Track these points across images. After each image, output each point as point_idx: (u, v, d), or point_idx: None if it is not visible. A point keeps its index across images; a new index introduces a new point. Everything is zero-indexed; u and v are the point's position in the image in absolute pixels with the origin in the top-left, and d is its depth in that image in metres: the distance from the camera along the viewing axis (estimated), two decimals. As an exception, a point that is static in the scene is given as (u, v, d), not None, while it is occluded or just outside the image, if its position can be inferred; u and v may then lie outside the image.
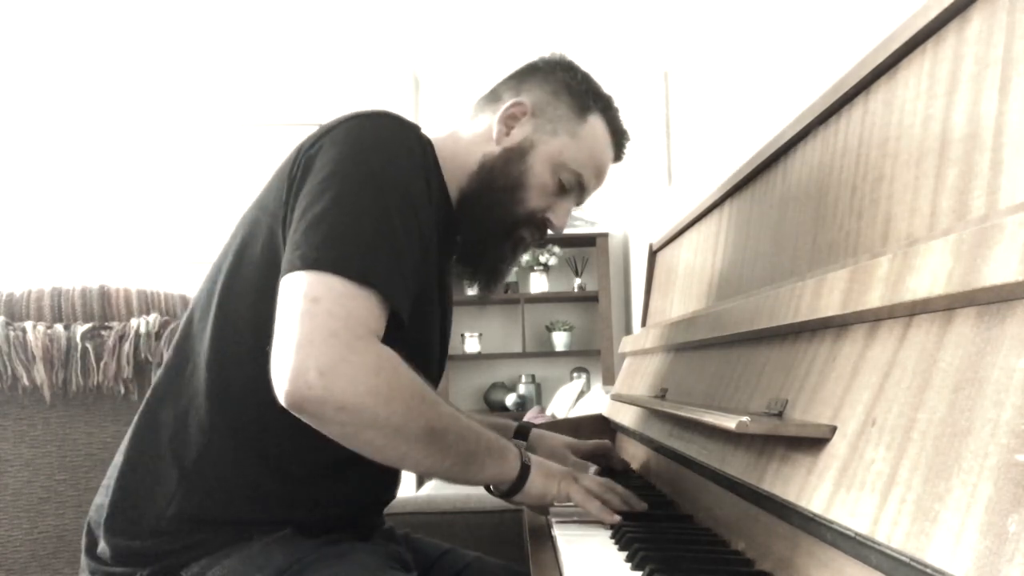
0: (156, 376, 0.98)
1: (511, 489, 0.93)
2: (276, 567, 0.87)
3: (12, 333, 1.31)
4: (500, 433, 1.01)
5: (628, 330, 4.47)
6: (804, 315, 0.70)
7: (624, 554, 0.78)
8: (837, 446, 0.58)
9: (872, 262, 0.59)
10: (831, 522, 0.55)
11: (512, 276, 4.46)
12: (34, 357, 1.31)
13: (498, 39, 4.09)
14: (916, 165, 0.62)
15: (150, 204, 4.31)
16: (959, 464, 0.44)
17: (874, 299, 0.57)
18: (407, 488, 2.82)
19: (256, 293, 0.90)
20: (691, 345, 1.13)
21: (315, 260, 0.81)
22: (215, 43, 4.20)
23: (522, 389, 4.44)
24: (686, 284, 1.38)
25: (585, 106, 1.07)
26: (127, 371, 1.36)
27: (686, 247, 1.43)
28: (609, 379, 4.19)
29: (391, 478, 1.05)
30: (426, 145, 0.98)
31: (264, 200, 0.95)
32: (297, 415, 0.78)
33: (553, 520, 0.96)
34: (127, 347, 1.36)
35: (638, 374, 1.49)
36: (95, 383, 1.35)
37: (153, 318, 1.39)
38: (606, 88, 1.12)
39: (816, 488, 0.59)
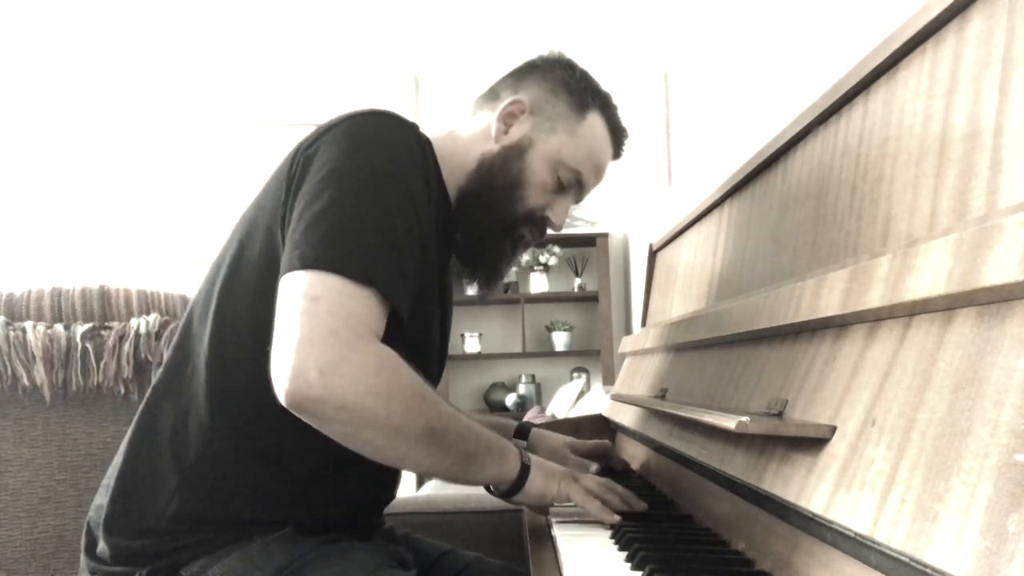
0: (155, 376, 0.98)
1: (511, 489, 0.93)
2: (276, 566, 0.87)
3: (12, 333, 1.31)
4: (500, 433, 1.01)
5: (628, 330, 4.47)
6: (804, 315, 0.70)
7: (624, 554, 0.78)
8: (837, 446, 0.58)
9: (872, 262, 0.59)
10: (831, 522, 0.55)
11: (512, 276, 4.47)
12: (34, 357, 1.31)
13: (498, 39, 4.09)
14: (916, 165, 0.62)
15: (150, 204, 4.31)
16: (959, 464, 0.44)
17: (874, 299, 0.57)
18: (407, 488, 2.82)
19: (255, 293, 0.90)
20: (691, 345, 1.13)
21: (315, 259, 0.81)
22: (215, 43, 4.20)
23: (522, 389, 4.44)
24: (686, 284, 1.38)
25: (584, 104, 1.07)
26: (127, 371, 1.36)
27: (686, 247, 1.43)
28: (609, 379, 4.19)
29: (391, 478, 1.05)
30: (425, 144, 0.98)
31: (263, 200, 0.95)
32: (297, 414, 0.78)
33: (553, 520, 0.96)
34: (127, 347, 1.36)
35: (638, 374, 1.49)
36: (95, 383, 1.35)
37: (153, 318, 1.39)
38: (605, 87, 1.12)
39: (816, 488, 0.59)
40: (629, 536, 0.82)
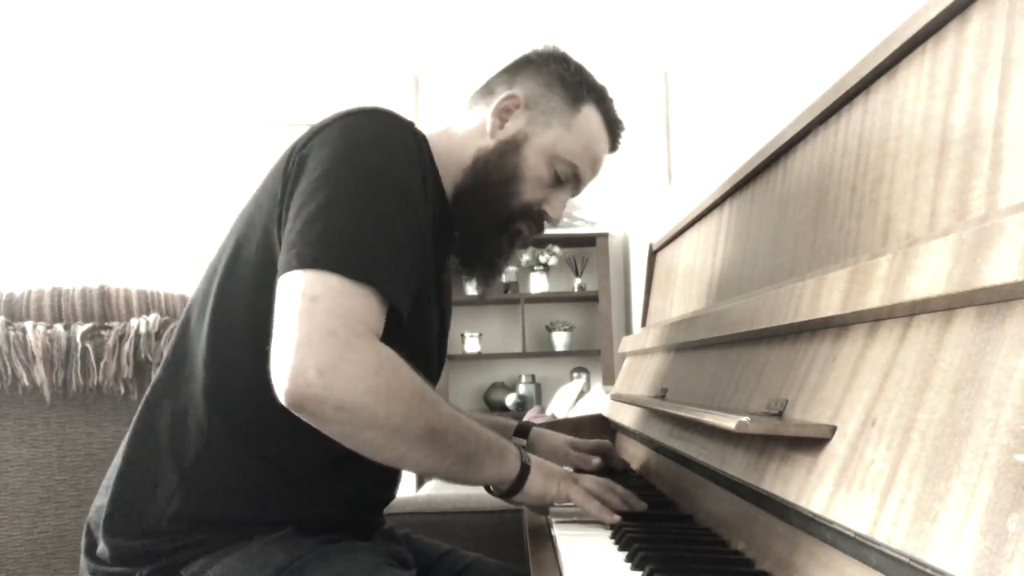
0: (154, 376, 0.98)
1: (511, 489, 0.93)
2: (276, 565, 0.87)
3: (12, 333, 1.31)
4: (500, 432, 1.01)
5: (628, 330, 4.47)
6: (804, 315, 0.70)
7: (624, 554, 0.78)
8: (837, 446, 0.58)
9: (872, 262, 0.59)
10: (831, 522, 0.55)
11: (512, 276, 4.47)
12: (34, 357, 1.31)
13: (498, 39, 4.09)
14: (916, 165, 0.62)
15: (150, 204, 4.31)
16: (959, 464, 0.44)
17: (874, 299, 0.57)
18: (407, 488, 2.82)
19: (252, 292, 0.90)
20: (691, 345, 1.13)
21: (312, 258, 0.81)
22: (215, 43, 4.20)
23: (522, 389, 4.44)
24: (686, 284, 1.38)
25: (579, 97, 1.06)
26: (127, 371, 1.36)
27: (686, 247, 1.43)
28: (609, 379, 4.19)
29: (391, 478, 1.05)
30: (421, 141, 0.98)
31: (259, 199, 0.95)
32: (296, 414, 0.78)
33: (553, 520, 0.96)
34: (127, 347, 1.36)
35: (638, 374, 1.49)
36: (95, 383, 1.35)
37: (153, 318, 1.39)
38: (602, 82, 1.11)
39: (816, 488, 0.59)
40: (629, 536, 0.82)
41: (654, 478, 1.18)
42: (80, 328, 1.36)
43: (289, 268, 0.81)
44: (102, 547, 0.92)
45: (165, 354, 0.99)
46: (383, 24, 3.99)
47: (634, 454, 1.35)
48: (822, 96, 0.82)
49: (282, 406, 0.78)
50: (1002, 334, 0.45)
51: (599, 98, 1.09)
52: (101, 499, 0.96)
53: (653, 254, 1.75)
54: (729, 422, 0.66)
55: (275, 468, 0.92)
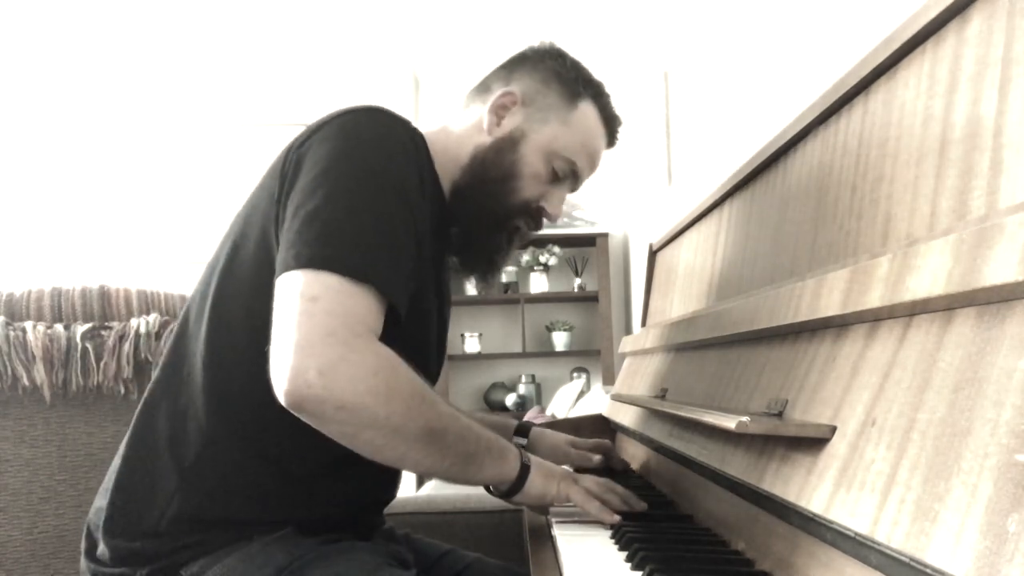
0: (152, 377, 0.98)
1: (511, 489, 0.93)
2: (276, 565, 0.87)
3: (12, 333, 1.31)
4: (500, 432, 1.01)
5: (628, 330, 4.47)
6: (804, 315, 0.70)
7: (624, 554, 0.78)
8: (837, 446, 0.58)
9: (872, 262, 0.59)
10: (831, 522, 0.55)
11: (512, 276, 4.47)
12: (34, 357, 1.31)
13: (498, 39, 4.09)
14: (916, 165, 0.63)
15: (150, 204, 4.31)
16: (959, 464, 0.44)
17: (874, 299, 0.57)
18: (407, 488, 2.82)
19: (250, 292, 0.90)
20: (691, 345, 1.13)
21: (310, 258, 0.81)
22: (215, 43, 4.20)
23: (522, 389, 4.44)
24: (686, 284, 1.38)
25: (575, 93, 1.06)
26: (127, 371, 1.36)
27: (686, 247, 1.43)
28: (609, 379, 4.19)
29: (391, 478, 1.05)
30: (417, 139, 0.98)
31: (256, 199, 0.95)
32: (296, 414, 0.78)
33: (553, 520, 0.96)
34: (127, 347, 1.36)
35: (638, 374, 1.49)
36: (95, 383, 1.35)
37: (153, 318, 1.39)
38: (600, 78, 1.11)
39: (816, 488, 0.59)
40: (629, 536, 0.82)
41: (654, 478, 1.18)
42: (80, 328, 1.36)
43: (287, 268, 0.81)
44: (102, 548, 0.92)
45: (163, 355, 0.99)
46: (383, 24, 3.99)
47: (634, 454, 1.35)
48: (822, 96, 0.82)
49: (282, 406, 0.78)
50: (1002, 334, 0.45)
51: (596, 94, 1.08)
52: (101, 500, 0.95)
53: (653, 254, 1.75)
54: (729, 422, 0.66)
55: (275, 468, 0.92)
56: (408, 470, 0.91)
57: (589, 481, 0.96)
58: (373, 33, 4.09)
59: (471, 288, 4.47)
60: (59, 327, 1.35)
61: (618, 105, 1.12)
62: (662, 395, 1.17)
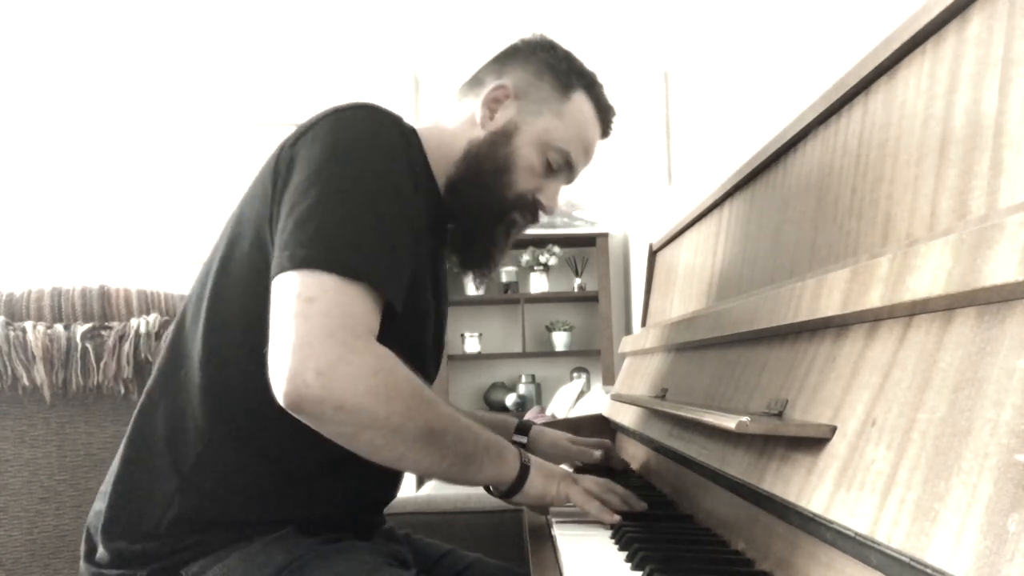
0: (150, 379, 0.98)
1: (510, 490, 0.93)
2: (276, 565, 0.87)
3: (12, 333, 1.31)
4: (499, 431, 1.00)
5: (628, 330, 4.47)
6: (804, 315, 0.70)
7: (624, 554, 0.78)
8: (837, 446, 0.58)
9: (872, 262, 0.59)
10: (831, 522, 0.55)
11: (512, 276, 4.47)
12: (34, 357, 1.31)
13: (498, 39, 4.08)
14: (916, 165, 0.62)
15: (150, 204, 4.31)
16: (959, 464, 0.44)
17: (874, 299, 0.57)
18: (407, 488, 2.82)
19: (247, 292, 0.90)
20: (691, 345, 1.13)
21: (304, 259, 0.80)
22: (215, 43, 4.20)
23: (522, 389, 4.44)
24: (686, 284, 1.38)
25: (568, 84, 1.06)
26: (127, 371, 1.36)
27: (686, 247, 1.43)
28: (609, 379, 4.19)
29: (391, 478, 1.05)
30: (410, 135, 0.98)
31: (250, 199, 0.94)
32: (295, 415, 0.78)
33: (553, 520, 0.96)
34: (127, 347, 1.36)
35: (638, 374, 1.49)
36: (95, 383, 1.35)
37: (153, 318, 1.39)
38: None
39: (816, 488, 0.59)
40: (629, 536, 0.82)
41: (654, 478, 1.18)
42: (80, 328, 1.36)
43: (283, 269, 0.81)
44: (101, 551, 0.92)
45: (160, 356, 0.98)
46: (383, 24, 3.99)
47: (634, 454, 1.35)
48: (822, 96, 0.82)
49: (281, 406, 0.78)
50: (1002, 334, 0.45)
51: (589, 84, 1.08)
52: (100, 503, 0.95)
53: (653, 254, 1.75)
54: (729, 422, 0.66)
55: (275, 468, 0.92)
56: (407, 470, 0.90)
57: (589, 481, 0.96)
58: (373, 33, 4.09)
59: (471, 288, 4.48)
60: (59, 327, 1.35)
61: (612, 96, 1.12)
62: (662, 395, 1.17)
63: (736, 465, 0.76)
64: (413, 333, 0.97)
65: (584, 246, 4.53)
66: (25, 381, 1.31)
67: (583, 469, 1.23)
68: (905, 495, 0.48)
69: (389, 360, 0.81)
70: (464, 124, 1.05)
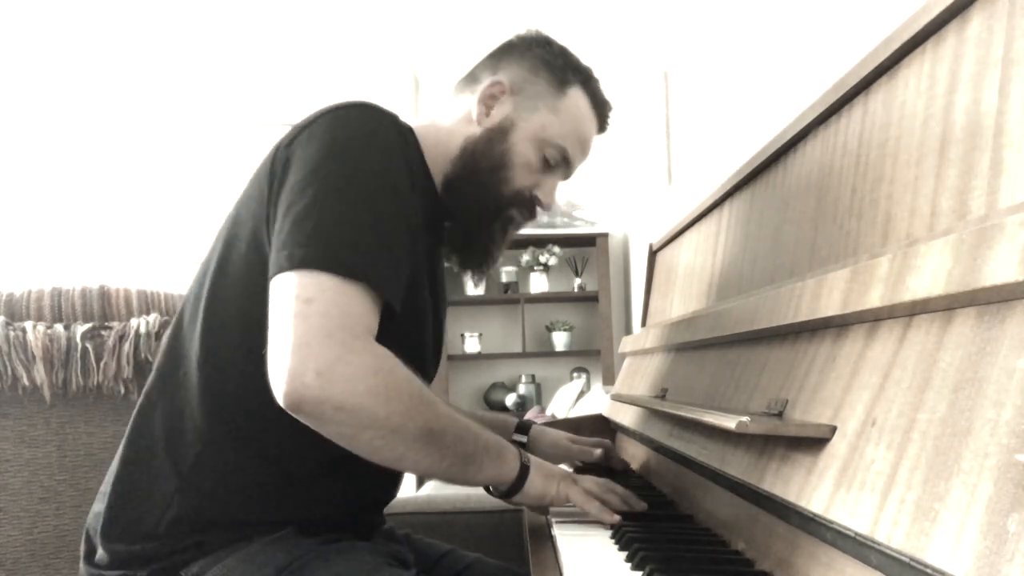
0: (148, 380, 0.98)
1: (510, 490, 0.93)
2: (276, 565, 0.87)
3: (12, 333, 1.31)
4: (499, 430, 1.00)
5: (628, 330, 4.47)
6: (804, 315, 0.70)
7: (624, 554, 0.78)
8: (837, 446, 0.58)
9: (872, 262, 0.59)
10: (831, 522, 0.55)
11: (512, 276, 4.47)
12: (34, 357, 1.31)
13: (498, 39, 4.09)
14: (916, 165, 0.62)
15: (150, 204, 4.31)
16: (959, 464, 0.44)
17: (874, 299, 0.57)
18: (407, 488, 2.82)
19: (244, 293, 0.90)
20: (691, 345, 1.13)
21: (302, 259, 0.80)
22: (215, 44, 4.20)
23: (522, 389, 4.44)
24: (686, 284, 1.38)
25: (564, 80, 1.06)
26: (127, 371, 1.36)
27: (686, 247, 1.43)
28: (609, 379, 4.19)
29: (391, 478, 1.05)
30: (406, 133, 0.97)
31: (246, 200, 0.94)
32: (295, 416, 0.78)
33: (553, 520, 0.96)
34: (127, 347, 1.36)
35: (638, 374, 1.49)
36: (95, 383, 1.35)
37: (153, 318, 1.39)
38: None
39: (816, 488, 0.59)
40: (629, 536, 0.82)
41: (654, 478, 1.18)
42: (80, 328, 1.36)
43: (281, 270, 0.81)
44: (101, 553, 0.92)
45: (158, 357, 0.98)
46: (383, 24, 3.99)
47: (634, 454, 1.35)
48: (822, 96, 0.82)
49: (280, 406, 0.78)
50: (1002, 334, 0.45)
51: (585, 79, 1.08)
52: (98, 505, 0.95)
53: (653, 254, 1.75)
54: (729, 422, 0.66)
55: (274, 468, 0.92)
56: (407, 471, 0.90)
57: (589, 482, 0.96)
58: (373, 33, 4.09)
59: (471, 288, 4.49)
60: (59, 327, 1.35)
61: (610, 94, 1.11)
62: (662, 395, 1.17)
63: (736, 465, 0.76)
64: (412, 333, 0.96)
65: (584, 246, 4.53)
66: (25, 381, 1.31)
67: (583, 469, 1.23)
68: (905, 495, 0.48)
69: (389, 360, 0.81)
70: (460, 121, 1.05)
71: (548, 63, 1.06)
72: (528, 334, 4.55)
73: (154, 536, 0.89)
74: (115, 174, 4.31)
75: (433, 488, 2.60)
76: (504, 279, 4.48)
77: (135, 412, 0.96)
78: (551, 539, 0.92)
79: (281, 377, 0.77)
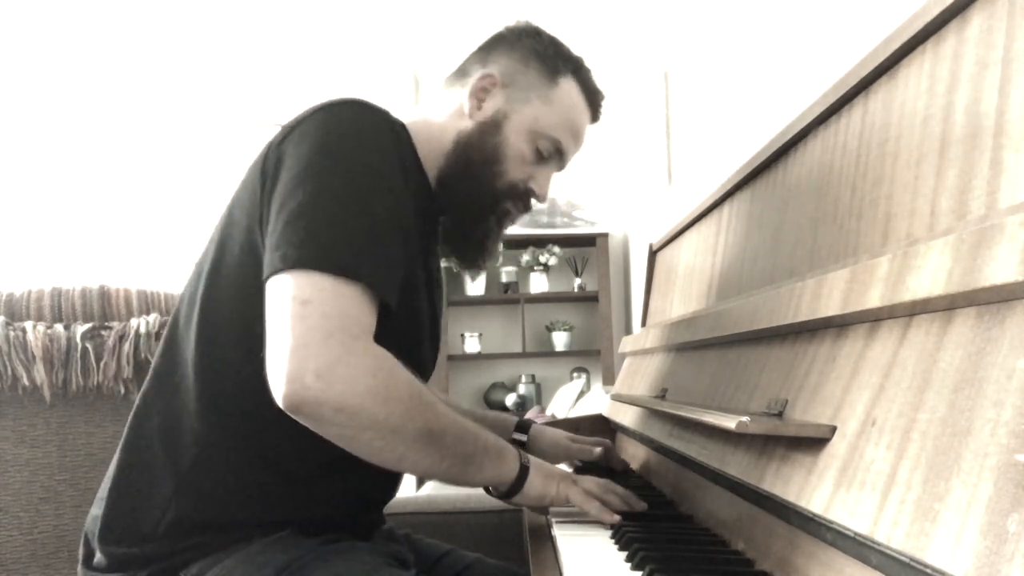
0: (144, 383, 0.97)
1: (510, 490, 0.93)
2: (276, 566, 0.87)
3: (12, 333, 1.31)
4: (499, 429, 1.00)
5: (628, 330, 4.47)
6: (804, 315, 0.70)
7: (624, 554, 0.78)
8: (837, 446, 0.58)
9: (872, 262, 0.59)
10: (831, 522, 0.55)
11: (512, 276, 4.47)
12: (34, 357, 1.31)
13: (498, 39, 4.09)
14: (916, 165, 0.62)
15: (150, 204, 4.31)
16: (959, 464, 0.44)
17: (874, 299, 0.57)
18: (407, 488, 2.82)
19: (239, 294, 0.89)
20: (691, 345, 1.13)
21: (297, 259, 0.80)
22: (215, 43, 4.20)
23: (522, 389, 4.44)
24: (686, 284, 1.38)
25: (555, 70, 1.05)
26: (127, 371, 1.36)
27: (686, 247, 1.43)
28: (609, 379, 4.19)
29: (391, 478, 1.05)
30: (399, 130, 0.97)
31: (239, 200, 0.94)
32: (294, 417, 0.78)
33: (553, 520, 0.96)
34: (127, 347, 1.36)
35: (638, 374, 1.49)
36: (95, 383, 1.35)
37: (153, 318, 1.39)
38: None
39: (816, 488, 0.59)
40: (629, 536, 0.82)
41: (654, 478, 1.18)
42: (80, 328, 1.36)
43: (276, 270, 0.81)
44: (99, 556, 0.91)
45: (155, 359, 0.98)
46: (383, 23, 3.99)
47: (634, 454, 1.35)
48: (822, 96, 0.82)
49: (278, 407, 0.78)
50: (1002, 334, 0.45)
51: (576, 69, 1.07)
52: (96, 509, 0.95)
53: (653, 254, 1.75)
54: (729, 422, 0.66)
55: (273, 469, 0.91)
56: (407, 471, 0.90)
57: (589, 482, 0.96)
58: (373, 32, 4.09)
59: (471, 288, 4.49)
60: (59, 327, 1.35)
61: (610, 92, 1.11)
62: (662, 395, 1.17)
63: (736, 465, 0.76)
64: (408, 331, 0.96)
65: (584, 246, 4.53)
66: (25, 381, 1.31)
67: (583, 469, 1.23)
68: (905, 495, 0.48)
69: (388, 361, 0.81)
70: (452, 116, 1.04)
71: (539, 54, 1.05)
72: (528, 334, 4.55)
73: (153, 538, 0.89)
74: (115, 174, 4.31)
75: (433, 488, 2.60)
76: (504, 279, 4.48)
77: (132, 414, 0.96)
78: (551, 539, 0.92)
79: (280, 379, 0.76)
